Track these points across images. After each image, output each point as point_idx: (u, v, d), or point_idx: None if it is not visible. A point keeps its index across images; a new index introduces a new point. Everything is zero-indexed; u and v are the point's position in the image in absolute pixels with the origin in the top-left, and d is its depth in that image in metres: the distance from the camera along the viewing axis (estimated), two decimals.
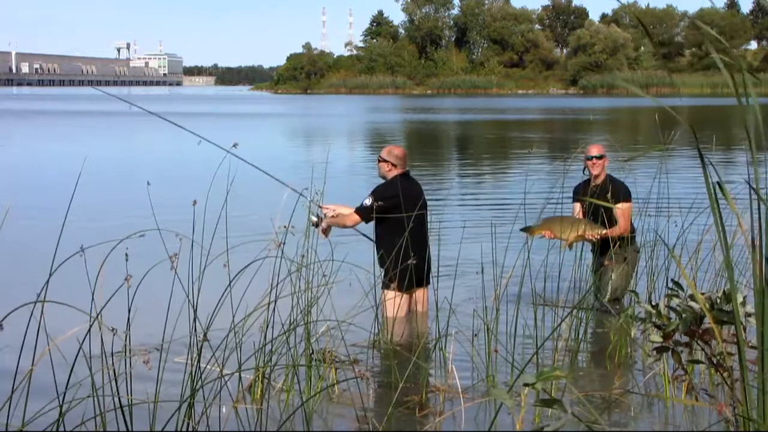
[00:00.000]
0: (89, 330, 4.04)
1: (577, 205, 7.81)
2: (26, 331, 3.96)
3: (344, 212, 7.21)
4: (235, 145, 5.19)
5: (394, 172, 7.21)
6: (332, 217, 7.17)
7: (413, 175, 7.42)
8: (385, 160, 7.24)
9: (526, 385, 2.61)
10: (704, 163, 2.62)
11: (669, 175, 8.01)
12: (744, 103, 2.57)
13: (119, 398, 4.06)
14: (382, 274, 7.00)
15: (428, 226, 7.19)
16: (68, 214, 4.49)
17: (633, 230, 7.57)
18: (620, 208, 7.42)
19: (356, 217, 7.10)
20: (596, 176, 7.66)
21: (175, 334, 4.79)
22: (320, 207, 7.14)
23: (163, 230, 4.72)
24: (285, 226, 5.29)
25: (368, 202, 7.04)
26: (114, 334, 4.15)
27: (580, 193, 7.77)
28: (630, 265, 7.34)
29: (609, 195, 7.37)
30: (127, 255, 4.22)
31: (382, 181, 7.28)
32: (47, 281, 3.96)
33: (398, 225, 6.77)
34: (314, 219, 7.03)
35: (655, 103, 2.64)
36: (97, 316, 4.03)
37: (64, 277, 4.25)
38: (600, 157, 7.63)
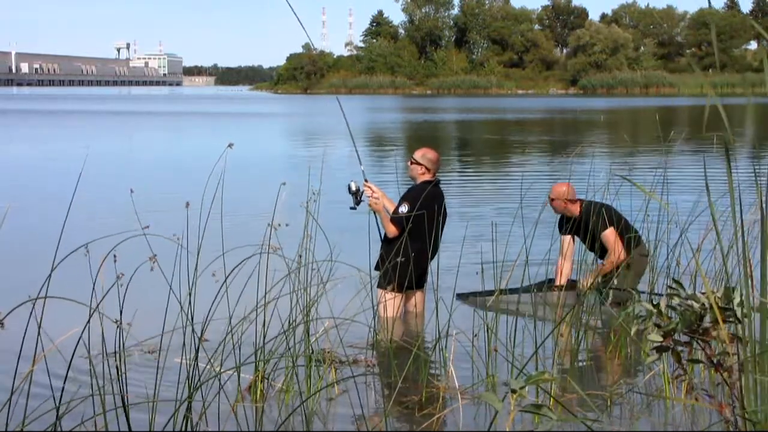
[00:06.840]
0: (88, 323, 4.02)
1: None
2: (25, 330, 3.95)
3: (387, 205, 7.12)
4: (230, 146, 5.20)
5: (426, 177, 7.07)
6: (384, 215, 7.03)
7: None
8: (418, 163, 7.09)
9: (513, 391, 2.60)
10: (728, 157, 2.67)
11: (671, 174, 8.01)
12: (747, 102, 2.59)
13: (111, 399, 4.05)
14: (381, 274, 6.94)
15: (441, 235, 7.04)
16: (68, 214, 4.48)
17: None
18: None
19: (394, 229, 6.87)
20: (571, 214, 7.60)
21: (174, 334, 4.78)
22: (366, 181, 7.14)
23: (167, 232, 4.71)
24: (278, 225, 5.29)
25: (404, 209, 6.86)
26: (118, 327, 4.13)
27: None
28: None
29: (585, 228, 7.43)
30: (115, 257, 4.20)
31: (411, 182, 7.17)
32: (48, 279, 3.95)
33: (413, 229, 6.69)
34: (353, 187, 7.06)
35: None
36: (95, 310, 4.02)
37: (62, 278, 4.23)
38: (552, 200, 7.62)
